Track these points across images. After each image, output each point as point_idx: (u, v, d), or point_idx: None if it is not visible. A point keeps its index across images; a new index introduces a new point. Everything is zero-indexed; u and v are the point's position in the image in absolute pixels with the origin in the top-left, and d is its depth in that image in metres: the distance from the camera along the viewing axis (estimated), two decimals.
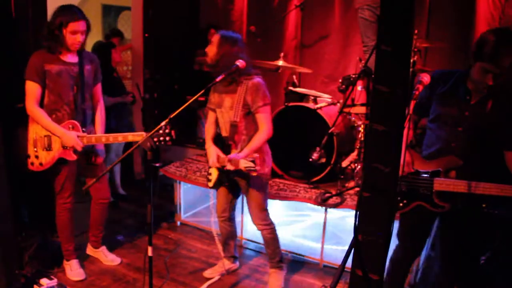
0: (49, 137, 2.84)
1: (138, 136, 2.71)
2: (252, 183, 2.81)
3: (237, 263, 3.30)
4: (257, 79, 2.73)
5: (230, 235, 3.16)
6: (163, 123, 2.21)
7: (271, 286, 3.01)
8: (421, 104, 2.33)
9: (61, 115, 2.85)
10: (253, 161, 2.52)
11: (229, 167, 2.61)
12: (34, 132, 2.86)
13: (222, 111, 2.81)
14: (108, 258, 3.32)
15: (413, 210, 2.26)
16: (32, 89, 2.77)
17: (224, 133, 2.82)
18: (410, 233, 2.44)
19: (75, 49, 2.82)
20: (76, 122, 2.85)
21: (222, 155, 2.74)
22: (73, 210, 3.08)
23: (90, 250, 3.38)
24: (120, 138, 2.71)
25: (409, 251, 2.48)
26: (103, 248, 3.35)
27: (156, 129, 2.23)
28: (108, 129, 3.21)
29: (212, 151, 2.80)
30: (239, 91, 2.70)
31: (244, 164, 2.54)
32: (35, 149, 2.87)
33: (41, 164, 2.88)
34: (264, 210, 2.91)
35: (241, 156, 2.59)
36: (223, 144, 2.80)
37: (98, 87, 3.07)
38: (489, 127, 2.15)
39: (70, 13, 2.72)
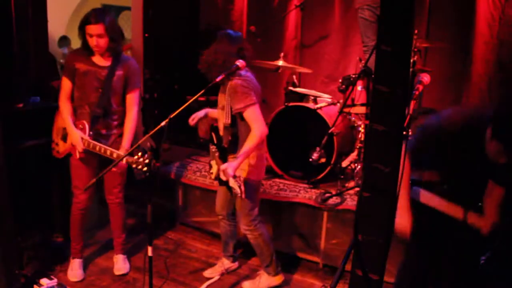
0: (65, 130, 2.94)
1: (121, 155, 2.61)
2: None
3: (237, 262, 3.30)
4: (236, 81, 2.61)
5: (229, 234, 3.15)
6: (163, 123, 2.22)
7: (249, 283, 3.01)
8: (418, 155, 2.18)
9: (81, 113, 2.91)
10: (240, 187, 2.54)
11: (222, 176, 2.62)
12: (60, 121, 3.02)
13: (218, 111, 2.82)
14: (115, 266, 3.21)
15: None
16: (63, 83, 2.92)
17: (221, 133, 2.80)
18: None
19: (97, 52, 2.82)
20: (85, 123, 2.86)
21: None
22: (86, 211, 3.08)
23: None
24: (108, 152, 2.70)
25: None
26: (119, 256, 3.24)
27: (156, 129, 2.23)
28: None
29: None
30: (226, 92, 2.67)
31: (231, 183, 2.56)
32: (57, 136, 3.05)
33: (58, 152, 3.07)
34: (249, 215, 2.83)
35: (233, 166, 2.54)
36: (220, 145, 2.79)
37: (131, 95, 2.94)
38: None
39: (90, 15, 2.73)
